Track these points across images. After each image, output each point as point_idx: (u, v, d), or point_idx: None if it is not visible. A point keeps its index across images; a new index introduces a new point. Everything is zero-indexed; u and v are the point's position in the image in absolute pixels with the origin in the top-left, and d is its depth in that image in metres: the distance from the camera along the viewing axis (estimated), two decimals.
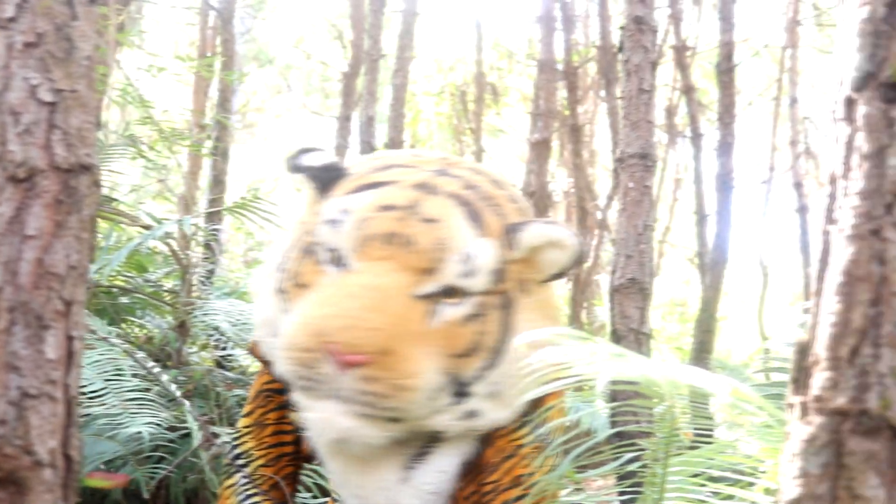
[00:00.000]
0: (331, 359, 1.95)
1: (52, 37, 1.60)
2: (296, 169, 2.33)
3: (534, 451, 2.38)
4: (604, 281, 11.36)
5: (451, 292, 2.10)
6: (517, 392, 2.20)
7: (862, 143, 1.17)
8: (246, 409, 2.63)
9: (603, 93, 10.03)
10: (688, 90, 9.03)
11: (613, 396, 4.07)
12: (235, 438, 2.64)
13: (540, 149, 9.60)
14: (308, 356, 1.98)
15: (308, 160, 2.32)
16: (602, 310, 9.98)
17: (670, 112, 10.81)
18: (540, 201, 9.34)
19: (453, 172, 2.29)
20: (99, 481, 1.61)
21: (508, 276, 2.19)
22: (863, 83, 1.19)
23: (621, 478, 3.13)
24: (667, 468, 2.14)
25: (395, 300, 2.02)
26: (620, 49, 4.63)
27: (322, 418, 2.02)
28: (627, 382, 1.65)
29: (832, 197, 1.22)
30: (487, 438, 2.29)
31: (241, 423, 2.64)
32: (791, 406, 1.23)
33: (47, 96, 1.58)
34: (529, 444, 2.39)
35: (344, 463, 2.26)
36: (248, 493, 2.53)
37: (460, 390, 2.14)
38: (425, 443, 2.26)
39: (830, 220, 1.21)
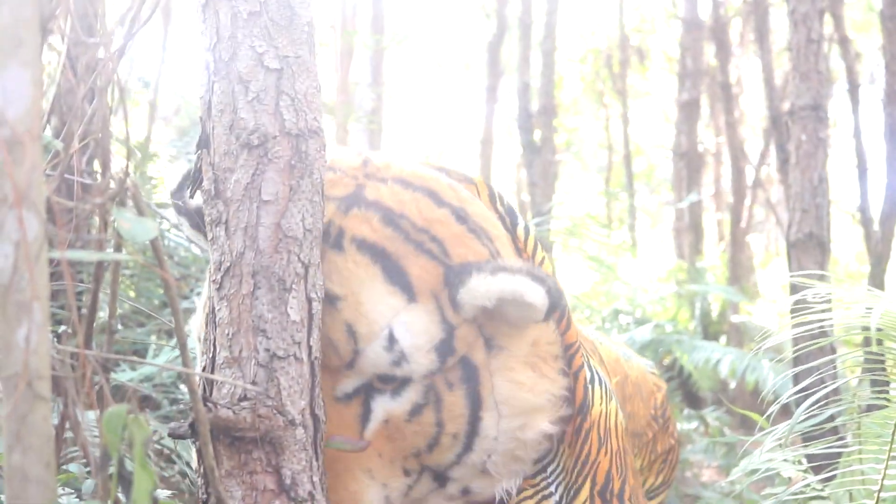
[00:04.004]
0: None
1: (273, 5, 1.62)
2: (179, 211, 1.87)
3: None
4: (753, 241, 11.09)
5: (384, 379, 1.71)
6: (516, 460, 1.85)
7: None
8: None
9: (754, 49, 9.75)
10: (843, 41, 8.72)
11: (796, 360, 3.96)
12: None
13: (689, 109, 9.41)
14: None
15: (195, 197, 1.84)
16: (763, 271, 9.72)
17: None
18: (692, 162, 9.16)
19: (370, 196, 1.80)
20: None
21: (462, 341, 1.74)
22: None
23: (807, 438, 3.04)
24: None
25: None
26: None
27: None
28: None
29: None
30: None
31: None
32: None
33: (273, 63, 1.60)
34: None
35: None
36: None
37: (438, 477, 1.81)
38: None
39: None
